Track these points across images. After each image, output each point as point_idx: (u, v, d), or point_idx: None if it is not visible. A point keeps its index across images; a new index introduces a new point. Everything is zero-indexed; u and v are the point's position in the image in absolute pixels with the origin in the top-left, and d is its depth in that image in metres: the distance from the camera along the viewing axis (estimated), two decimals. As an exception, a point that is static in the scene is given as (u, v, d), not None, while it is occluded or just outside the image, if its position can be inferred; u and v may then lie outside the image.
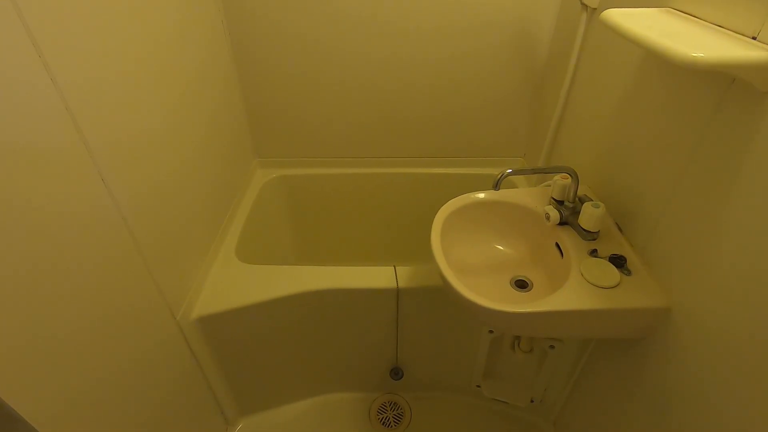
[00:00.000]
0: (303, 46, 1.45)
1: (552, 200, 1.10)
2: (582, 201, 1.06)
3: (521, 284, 1.09)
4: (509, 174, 0.93)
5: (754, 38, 0.65)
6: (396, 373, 1.50)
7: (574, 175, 1.00)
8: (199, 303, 1.18)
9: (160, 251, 1.00)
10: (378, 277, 1.25)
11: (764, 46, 0.63)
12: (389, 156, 1.73)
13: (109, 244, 0.82)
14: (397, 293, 1.24)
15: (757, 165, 0.65)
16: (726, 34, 0.68)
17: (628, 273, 0.91)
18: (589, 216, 0.97)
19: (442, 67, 1.51)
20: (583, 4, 1.14)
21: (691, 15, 0.78)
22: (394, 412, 1.53)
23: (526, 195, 1.16)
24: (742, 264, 0.67)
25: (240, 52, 1.47)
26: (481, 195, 1.16)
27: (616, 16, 0.80)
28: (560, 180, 1.06)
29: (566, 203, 1.05)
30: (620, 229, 1.03)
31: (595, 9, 1.15)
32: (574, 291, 0.88)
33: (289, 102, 1.59)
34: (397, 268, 1.28)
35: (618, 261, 0.92)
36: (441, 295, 1.26)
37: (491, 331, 1.31)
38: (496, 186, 0.95)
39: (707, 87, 0.76)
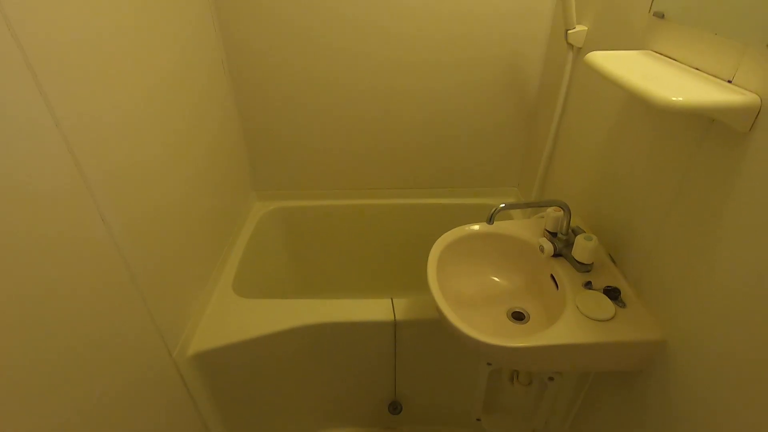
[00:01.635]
0: (300, 80, 1.50)
1: (546, 232, 1.12)
2: (575, 233, 1.08)
3: (518, 316, 1.09)
4: (502, 209, 0.95)
5: (729, 81, 0.69)
6: (395, 407, 1.48)
7: (566, 208, 1.02)
8: (196, 338, 1.17)
9: (157, 286, 1.00)
10: (375, 309, 1.25)
11: (739, 89, 0.66)
12: (385, 187, 1.76)
13: (105, 279, 0.82)
14: (395, 326, 1.24)
15: (740, 203, 0.67)
16: (703, 77, 0.72)
17: (623, 305, 0.92)
18: (582, 248, 0.98)
19: (437, 100, 1.55)
20: (568, 43, 1.19)
21: (669, 57, 0.82)
22: (393, 448, 1.49)
23: (520, 227, 1.18)
24: (734, 295, 0.68)
25: (239, 86, 1.51)
26: (476, 227, 1.18)
27: (600, 58, 0.84)
28: (553, 213, 1.08)
29: (560, 235, 1.07)
30: (614, 261, 1.04)
31: (580, 48, 1.20)
32: (570, 324, 0.89)
33: (287, 135, 1.62)
34: (394, 300, 1.28)
35: (612, 293, 0.93)
36: (439, 327, 1.25)
37: (490, 364, 1.30)
38: (490, 220, 0.97)
39: (689, 126, 0.79)
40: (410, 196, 1.78)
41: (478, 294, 1.15)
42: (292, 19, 1.38)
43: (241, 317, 1.24)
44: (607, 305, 0.91)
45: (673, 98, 0.63)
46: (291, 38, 1.41)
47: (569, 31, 1.17)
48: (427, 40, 1.43)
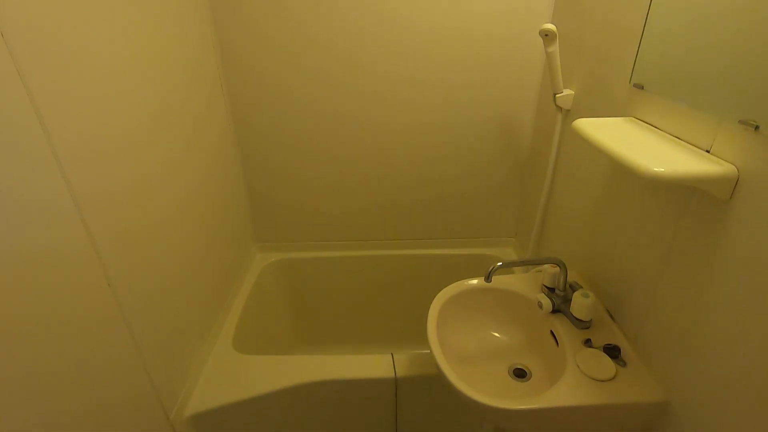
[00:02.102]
0: (303, 137, 1.57)
1: (543, 287, 1.13)
2: (573, 288, 1.09)
3: (520, 373, 1.08)
4: (500, 267, 0.98)
5: (707, 151, 0.73)
6: (396, 468, 1.43)
7: (562, 265, 1.04)
8: (194, 398, 1.16)
9: (156, 346, 1.00)
10: (375, 365, 1.24)
11: (717, 159, 0.70)
12: (385, 239, 1.79)
13: (106, 341, 0.83)
14: (396, 383, 1.22)
15: (727, 267, 0.69)
16: (683, 146, 0.77)
17: (624, 364, 0.92)
18: (580, 306, 0.99)
19: (434, 157, 1.61)
20: (557, 105, 1.26)
21: (651, 125, 0.87)
22: None
23: (518, 281, 1.19)
24: (731, 357, 0.69)
25: (244, 144, 1.58)
26: (475, 281, 1.19)
27: (586, 125, 0.89)
28: (550, 268, 1.10)
29: (557, 291, 1.08)
30: (612, 317, 1.05)
31: (568, 110, 1.27)
32: (572, 385, 0.88)
33: (289, 187, 1.67)
34: (395, 355, 1.27)
35: (612, 351, 0.94)
36: (440, 383, 1.24)
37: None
38: (488, 278, 0.99)
39: (673, 192, 0.83)
40: (409, 246, 1.80)
41: (479, 350, 1.15)
42: (292, 89, 1.47)
43: (240, 375, 1.23)
44: (608, 364, 0.91)
45: (656, 169, 0.67)
46: (292, 101, 1.50)
47: (557, 95, 1.24)
48: (425, 105, 1.51)
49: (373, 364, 1.24)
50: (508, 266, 1.00)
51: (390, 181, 1.66)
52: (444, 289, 1.17)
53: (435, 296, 1.15)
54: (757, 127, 0.62)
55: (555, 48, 1.16)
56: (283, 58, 1.43)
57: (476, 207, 1.73)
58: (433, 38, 1.40)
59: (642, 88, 0.89)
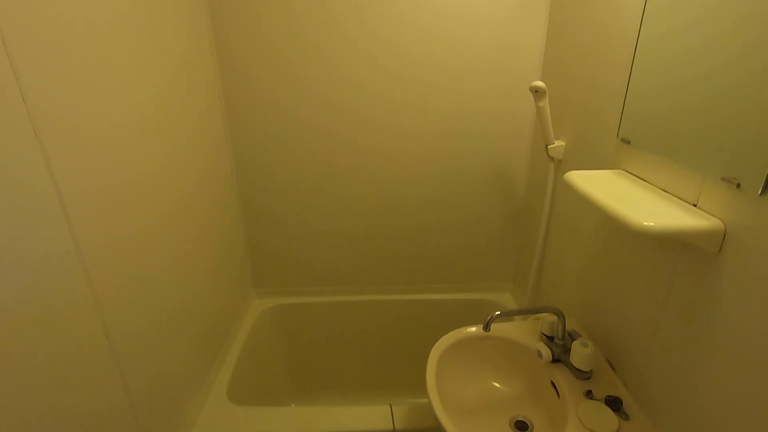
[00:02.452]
0: (302, 187, 1.61)
1: (543, 336, 1.13)
2: (572, 337, 1.09)
3: (521, 426, 1.06)
4: (498, 317, 0.98)
5: (694, 205, 0.76)
6: None
7: (559, 314, 1.04)
8: (185, 454, 1.12)
9: (149, 398, 0.98)
10: (374, 418, 1.21)
11: (704, 214, 0.73)
12: (383, 284, 1.79)
13: (100, 394, 0.81)
14: (394, 436, 1.19)
15: (721, 319, 0.70)
16: (671, 199, 0.80)
17: (626, 417, 0.90)
18: (580, 356, 0.99)
19: (431, 204, 1.65)
20: (549, 156, 1.31)
21: (640, 178, 0.91)
22: None
23: (517, 329, 1.19)
24: (730, 409, 0.68)
25: (245, 193, 1.61)
26: (473, 329, 1.19)
27: (577, 178, 0.93)
28: (548, 316, 1.10)
29: (556, 340, 1.08)
30: (613, 368, 1.04)
31: (560, 160, 1.31)
32: (574, 439, 0.86)
33: (289, 235, 1.69)
34: (393, 407, 1.24)
35: (614, 404, 0.92)
36: (440, 436, 1.20)
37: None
38: (486, 327, 0.99)
39: (665, 245, 0.85)
40: (408, 292, 1.80)
41: (480, 400, 1.13)
42: (291, 141, 1.52)
43: (234, 428, 1.19)
44: (610, 418, 0.90)
45: (645, 223, 0.70)
46: (293, 150, 1.55)
47: (549, 146, 1.29)
48: (421, 155, 1.56)
49: (371, 416, 1.21)
50: (506, 315, 1.00)
51: (388, 229, 1.69)
52: (443, 338, 1.16)
53: (434, 343, 1.15)
54: (738, 185, 0.65)
55: (545, 103, 1.22)
56: (282, 113, 1.49)
57: (474, 253, 1.75)
58: (428, 92, 1.47)
59: (629, 143, 0.94)
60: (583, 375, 1.00)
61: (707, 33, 0.71)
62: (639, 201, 0.80)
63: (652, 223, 0.70)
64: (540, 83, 1.18)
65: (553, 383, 1.05)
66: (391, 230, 1.69)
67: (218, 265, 1.40)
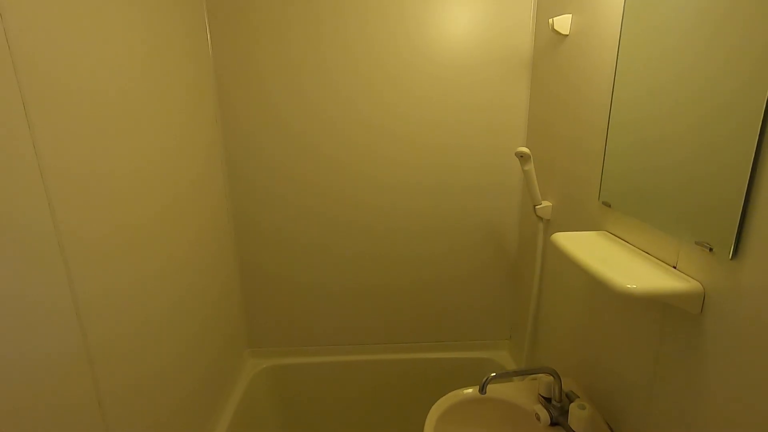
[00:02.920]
0: (300, 242, 1.64)
1: (540, 397, 1.12)
2: (570, 398, 1.08)
3: (523, 496, 1.02)
4: (493, 378, 0.98)
5: (674, 267, 0.80)
6: None
7: (555, 375, 1.04)
8: None
9: (139, 472, 0.95)
10: (370, 488, 1.16)
11: (684, 276, 0.76)
12: (380, 342, 1.77)
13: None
14: None
15: (709, 380, 0.71)
16: (652, 261, 0.83)
17: (628, 485, 0.88)
18: (578, 419, 0.98)
19: (425, 262, 1.68)
20: (538, 216, 1.37)
21: (622, 240, 0.95)
22: None
23: (515, 390, 1.18)
24: (729, 483, 0.68)
25: (243, 252, 1.64)
26: (470, 390, 1.17)
27: (563, 239, 0.97)
28: (544, 377, 1.09)
29: (554, 402, 1.07)
30: (612, 430, 1.03)
31: (548, 220, 1.36)
32: None
33: (284, 294, 1.70)
34: (390, 476, 1.19)
35: (615, 470, 0.90)
36: None
37: None
38: (482, 390, 0.98)
39: (652, 306, 0.87)
40: (404, 351, 1.78)
41: (479, 468, 1.09)
42: (288, 198, 1.58)
43: (223, 502, 1.13)
44: (612, 485, 0.87)
45: (628, 285, 0.73)
46: (291, 211, 1.60)
47: (536, 207, 1.35)
48: (416, 211, 1.62)
49: (367, 487, 1.16)
50: (501, 377, 1.00)
51: (384, 286, 1.70)
52: (440, 400, 1.15)
53: (432, 404, 1.13)
54: (711, 249, 0.69)
55: (530, 167, 1.29)
56: (280, 168, 1.56)
57: (470, 311, 1.75)
58: (420, 148, 1.55)
59: (609, 206, 0.99)
60: (582, 439, 0.98)
61: (672, 99, 0.78)
62: (622, 263, 0.84)
63: (634, 286, 0.73)
64: (524, 149, 1.26)
65: (553, 448, 1.02)
66: (386, 287, 1.71)
67: (212, 322, 1.40)
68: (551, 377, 1.08)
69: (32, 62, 0.70)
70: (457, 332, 1.78)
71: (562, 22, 1.18)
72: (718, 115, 0.67)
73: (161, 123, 1.10)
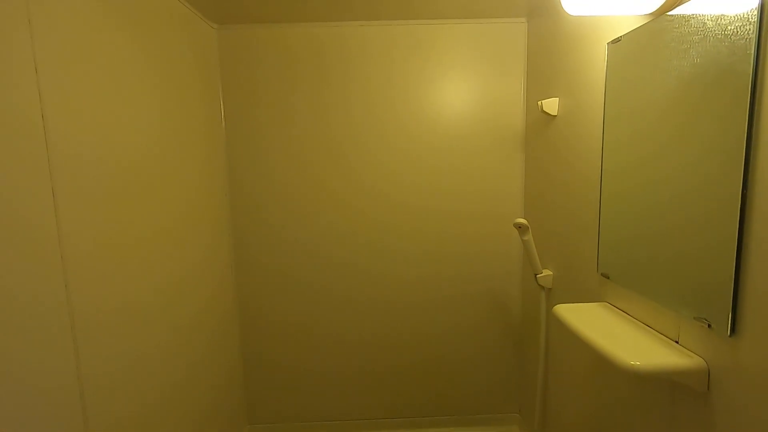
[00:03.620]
0: (303, 325, 1.64)
1: (553, 480, 1.06)
2: (584, 482, 1.03)
3: None
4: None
5: (676, 342, 0.80)
6: None
7: (567, 455, 1.00)
8: None
9: None
10: None
11: (686, 351, 0.76)
12: (384, 417, 1.70)
13: None
14: None
15: (726, 462, 0.69)
16: (654, 335, 0.84)
17: None
18: (594, 505, 0.92)
19: (430, 335, 1.67)
20: (539, 285, 1.38)
21: (623, 312, 0.96)
22: None
23: (526, 472, 1.12)
24: None
25: (245, 325, 1.63)
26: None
27: (565, 311, 0.98)
28: (556, 458, 1.05)
29: (568, 486, 1.01)
30: None
31: (550, 289, 1.37)
32: None
33: (286, 369, 1.66)
34: None
35: None
36: None
37: None
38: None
39: (659, 383, 0.86)
40: (414, 426, 1.71)
41: None
42: (294, 274, 1.61)
43: None
44: None
45: (632, 363, 0.73)
46: (294, 288, 1.62)
47: (537, 276, 1.36)
48: (416, 278, 1.63)
49: None
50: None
51: (388, 362, 1.68)
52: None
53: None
54: (709, 325, 0.70)
55: (529, 237, 1.33)
56: (282, 242, 1.60)
57: (477, 384, 1.71)
58: (423, 216, 1.60)
59: (608, 278, 1.01)
60: None
61: (656, 175, 0.82)
62: (624, 337, 0.84)
63: (638, 363, 0.73)
64: (522, 220, 1.30)
65: None
66: (390, 362, 1.68)
67: (213, 400, 1.36)
68: (563, 458, 1.03)
69: (64, 155, 0.76)
70: (465, 406, 1.72)
71: (550, 105, 1.28)
72: (699, 192, 0.72)
73: (175, 199, 1.16)
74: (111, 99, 0.90)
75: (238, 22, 1.47)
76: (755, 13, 0.60)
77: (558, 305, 1.01)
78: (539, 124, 1.43)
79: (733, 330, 0.66)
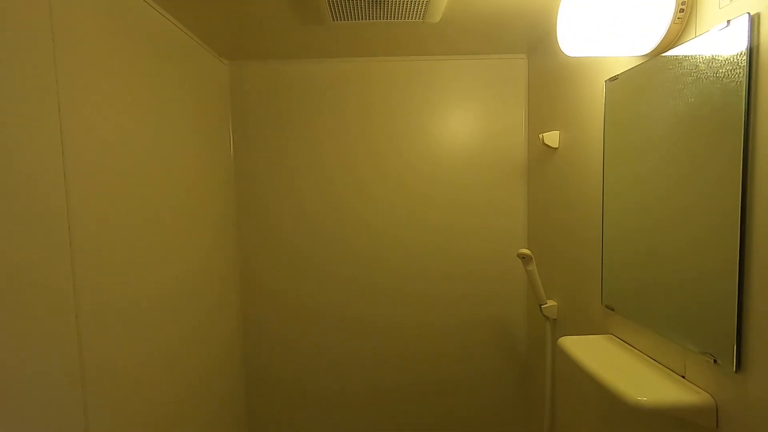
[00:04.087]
0: (310, 358, 1.63)
1: None
2: None
3: None
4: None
5: (683, 377, 0.79)
6: None
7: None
8: None
9: None
10: None
11: (693, 386, 0.76)
12: (387, 451, 1.67)
13: None
14: None
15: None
16: (660, 369, 0.83)
17: None
18: None
19: (436, 365, 1.65)
20: (544, 315, 1.37)
21: (629, 344, 0.96)
22: None
23: None
24: None
25: (249, 374, 1.63)
26: None
27: (571, 344, 0.98)
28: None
29: None
30: None
31: (555, 319, 1.37)
32: None
33: (290, 398, 1.64)
34: None
35: None
36: None
37: None
38: None
39: (667, 419, 0.85)
40: (414, 461, 1.67)
41: None
42: (304, 293, 1.62)
43: None
44: None
45: (639, 398, 0.73)
46: (300, 319, 1.62)
47: (542, 306, 1.36)
48: (420, 308, 1.63)
49: None
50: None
51: (393, 390, 1.65)
52: None
53: None
54: (715, 361, 0.70)
55: (533, 267, 1.33)
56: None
57: (483, 415, 1.68)
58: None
59: (612, 309, 1.01)
60: None
61: (657, 210, 0.84)
62: (630, 371, 0.84)
63: (645, 398, 0.73)
64: (526, 250, 1.31)
65: None
66: (397, 390, 1.65)
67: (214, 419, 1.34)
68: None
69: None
70: (471, 430, 1.68)
71: (552, 138, 1.31)
72: (699, 226, 0.73)
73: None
74: (127, 129, 0.94)
75: (247, 58, 1.54)
76: (744, 58, 0.63)
77: (563, 338, 1.01)
78: (541, 156, 1.46)
79: (738, 366, 0.66)
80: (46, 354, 0.69)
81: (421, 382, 1.65)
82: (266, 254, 1.61)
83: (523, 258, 1.32)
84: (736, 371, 0.66)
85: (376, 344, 1.64)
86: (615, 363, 0.87)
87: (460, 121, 1.59)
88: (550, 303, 1.37)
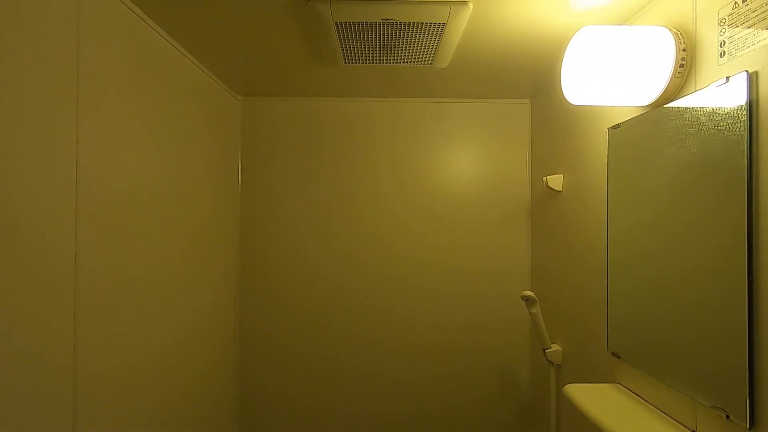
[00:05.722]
0: (309, 404, 1.59)
1: None
2: None
3: None
4: None
5: (693, 431, 0.76)
6: None
7: None
8: None
9: None
10: None
11: (705, 443, 0.73)
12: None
13: None
14: None
15: None
16: (671, 423, 0.80)
17: None
18: None
19: (435, 396, 1.60)
20: (548, 360, 1.34)
21: (637, 395, 0.93)
22: None
23: None
24: None
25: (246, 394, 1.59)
26: None
27: (576, 392, 0.95)
28: None
29: None
30: None
31: (560, 365, 1.33)
32: None
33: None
34: None
35: None
36: None
37: None
38: None
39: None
40: None
41: None
42: (301, 345, 1.59)
43: None
44: None
45: (649, 453, 0.70)
46: (300, 366, 1.59)
47: (546, 351, 1.33)
48: (425, 358, 1.60)
49: None
50: None
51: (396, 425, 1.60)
52: None
53: None
54: (728, 416, 0.68)
55: (537, 310, 1.31)
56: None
57: (482, 463, 1.61)
58: (432, 299, 1.60)
59: (619, 357, 0.99)
60: None
61: (663, 258, 0.83)
62: (640, 424, 0.81)
63: (655, 455, 0.70)
64: (529, 292, 1.30)
65: None
66: (393, 423, 1.59)
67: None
68: None
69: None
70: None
71: (555, 181, 1.33)
72: (705, 274, 0.72)
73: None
74: (139, 167, 0.96)
75: (259, 95, 1.59)
76: (744, 113, 0.65)
77: (569, 385, 0.98)
78: (545, 198, 1.48)
79: (752, 423, 0.64)
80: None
81: (420, 413, 1.60)
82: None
83: (527, 300, 1.31)
84: (749, 428, 0.64)
85: (374, 399, 1.60)
86: (623, 415, 0.85)
87: (465, 161, 1.61)
88: (555, 347, 1.34)
